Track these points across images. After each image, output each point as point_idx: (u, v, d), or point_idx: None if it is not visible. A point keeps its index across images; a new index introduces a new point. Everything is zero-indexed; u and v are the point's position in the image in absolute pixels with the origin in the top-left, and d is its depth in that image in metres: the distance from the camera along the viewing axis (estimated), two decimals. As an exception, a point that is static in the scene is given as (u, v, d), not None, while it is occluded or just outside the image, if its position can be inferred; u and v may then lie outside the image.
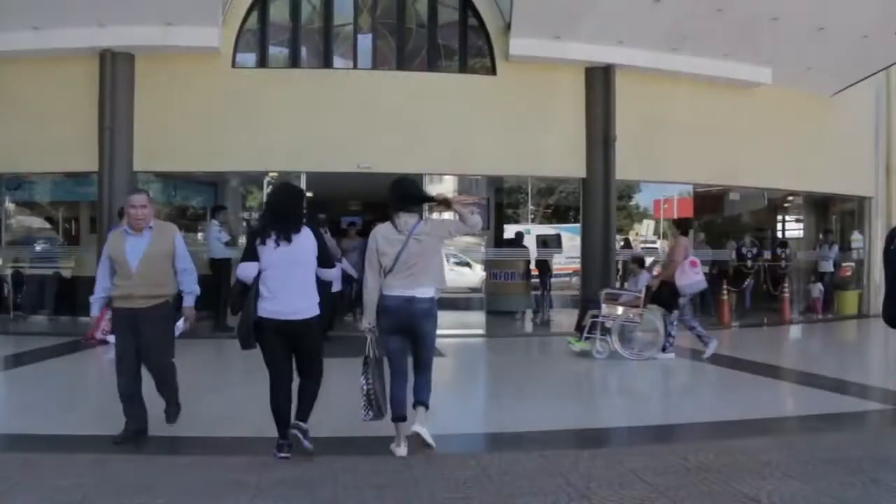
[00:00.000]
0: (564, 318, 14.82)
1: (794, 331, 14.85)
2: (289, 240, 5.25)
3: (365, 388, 5.47)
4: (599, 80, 13.16)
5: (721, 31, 12.29)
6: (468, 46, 13.39)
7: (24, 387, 7.90)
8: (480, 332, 13.61)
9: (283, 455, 5.22)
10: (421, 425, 5.34)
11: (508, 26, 12.59)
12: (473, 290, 15.63)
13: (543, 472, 4.90)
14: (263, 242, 5.28)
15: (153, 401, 5.87)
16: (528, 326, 14.90)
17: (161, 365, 5.92)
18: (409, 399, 5.48)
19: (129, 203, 5.86)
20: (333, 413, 6.39)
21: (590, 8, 11.88)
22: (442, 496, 4.44)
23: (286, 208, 5.42)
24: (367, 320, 5.54)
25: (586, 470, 4.93)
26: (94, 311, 6.09)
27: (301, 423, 5.29)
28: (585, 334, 10.34)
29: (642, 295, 10.28)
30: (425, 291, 5.42)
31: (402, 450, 5.44)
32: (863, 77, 14.85)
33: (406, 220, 5.46)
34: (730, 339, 13.28)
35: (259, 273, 5.28)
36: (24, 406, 7.01)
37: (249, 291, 5.29)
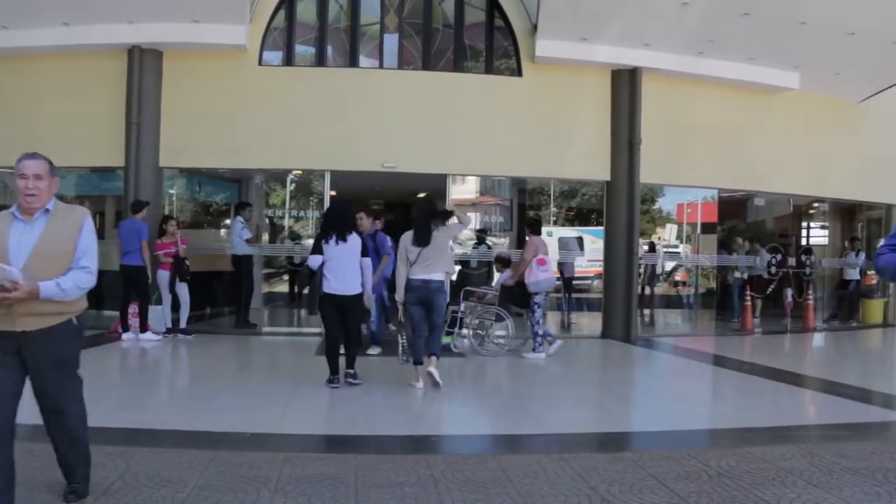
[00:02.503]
0: (586, 321, 14.81)
1: (818, 338, 14.72)
2: (345, 240, 7.88)
3: (402, 342, 8.72)
4: (625, 83, 13.11)
5: (748, 34, 12.19)
6: (494, 47, 13.37)
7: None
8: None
9: (333, 386, 7.75)
10: (434, 368, 7.77)
11: (535, 28, 12.57)
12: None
13: (564, 474, 4.89)
14: (327, 241, 7.87)
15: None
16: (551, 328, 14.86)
17: (66, 413, 4.08)
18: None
19: (18, 171, 4.04)
20: (349, 411, 6.39)
21: (617, 10, 11.83)
22: (461, 496, 4.44)
23: (345, 219, 8.09)
24: (398, 295, 8.05)
25: (607, 474, 4.91)
26: None
27: (350, 370, 7.95)
28: (446, 329, 10.80)
29: (497, 293, 10.78)
30: (437, 275, 7.94)
31: (419, 384, 7.90)
32: (892, 83, 14.65)
33: None
34: (752, 346, 13.22)
35: (322, 262, 7.85)
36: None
37: (315, 276, 8.03)
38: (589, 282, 15.88)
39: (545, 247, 10.74)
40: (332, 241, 7.83)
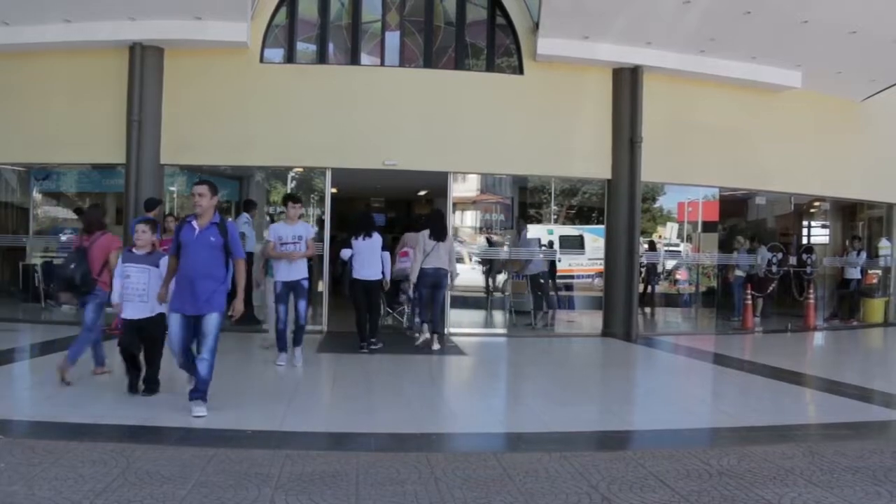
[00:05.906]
0: (587, 319, 14.79)
1: (819, 337, 14.71)
2: (370, 236, 10.24)
3: (416, 318, 11.64)
4: (627, 81, 13.09)
5: (750, 33, 12.18)
6: (496, 45, 13.35)
7: (51, 375, 7.97)
8: (503, 331, 13.63)
9: (364, 353, 10.16)
10: (437, 343, 10.63)
11: (536, 26, 12.55)
12: (496, 289, 15.57)
13: (565, 472, 4.89)
14: (356, 238, 10.21)
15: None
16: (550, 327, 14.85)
17: None
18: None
19: None
20: (353, 410, 6.38)
21: (618, 9, 11.83)
22: (462, 495, 4.44)
23: (369, 222, 10.52)
24: (413, 278, 10.61)
25: (608, 472, 4.91)
26: None
27: (372, 339, 10.41)
28: (385, 309, 13.12)
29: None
30: (444, 266, 10.54)
31: (425, 337, 10.82)
32: (894, 82, 14.64)
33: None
34: (753, 345, 13.21)
35: (351, 255, 10.18)
36: (51, 394, 7.10)
37: (346, 266, 10.30)
38: (590, 280, 15.80)
39: (416, 241, 11.02)
40: (360, 238, 10.21)
